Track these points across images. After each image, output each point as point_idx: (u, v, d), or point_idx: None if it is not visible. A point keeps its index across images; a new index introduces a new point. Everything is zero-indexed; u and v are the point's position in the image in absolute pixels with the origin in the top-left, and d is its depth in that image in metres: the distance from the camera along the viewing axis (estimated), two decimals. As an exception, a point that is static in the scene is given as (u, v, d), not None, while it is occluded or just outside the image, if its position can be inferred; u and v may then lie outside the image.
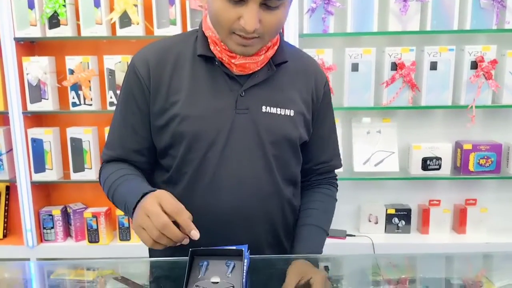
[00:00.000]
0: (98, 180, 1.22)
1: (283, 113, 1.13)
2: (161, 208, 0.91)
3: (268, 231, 1.16)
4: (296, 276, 0.98)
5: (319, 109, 1.21)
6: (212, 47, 1.09)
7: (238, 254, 0.93)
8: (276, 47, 1.12)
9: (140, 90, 1.11)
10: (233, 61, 1.07)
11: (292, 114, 1.14)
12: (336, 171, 1.33)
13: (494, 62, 2.20)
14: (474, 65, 2.21)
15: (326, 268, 1.17)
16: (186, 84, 1.10)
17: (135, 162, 1.16)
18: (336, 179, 1.34)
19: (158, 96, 1.10)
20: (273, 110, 1.12)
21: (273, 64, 1.12)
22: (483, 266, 1.28)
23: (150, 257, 1.28)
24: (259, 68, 1.11)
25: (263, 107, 1.11)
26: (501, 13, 2.18)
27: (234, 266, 0.92)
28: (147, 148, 1.16)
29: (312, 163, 1.27)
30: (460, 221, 2.41)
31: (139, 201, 0.98)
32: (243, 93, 1.10)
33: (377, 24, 2.21)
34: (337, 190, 1.33)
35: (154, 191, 0.98)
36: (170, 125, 1.10)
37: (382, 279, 1.16)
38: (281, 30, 1.12)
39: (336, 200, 1.32)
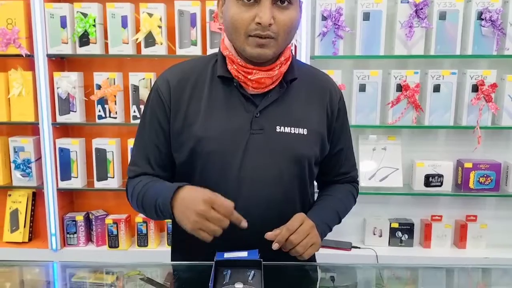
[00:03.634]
0: (119, 188, 1.26)
1: (296, 132, 1.14)
2: (214, 210, 0.99)
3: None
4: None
5: (335, 124, 1.24)
6: (229, 67, 1.13)
7: (257, 264, 1.04)
8: (288, 63, 1.15)
9: (163, 110, 1.16)
10: (249, 77, 1.10)
11: (305, 132, 1.15)
12: None
13: (494, 85, 2.28)
14: (475, 88, 2.29)
15: (332, 278, 1.22)
16: (203, 106, 1.14)
17: (159, 176, 1.20)
18: (358, 184, 1.36)
19: (178, 116, 1.15)
20: (287, 129, 1.14)
21: (284, 82, 1.15)
22: (481, 280, 1.32)
23: (172, 260, 1.32)
24: (273, 85, 1.14)
25: (277, 127, 1.13)
26: (501, 40, 2.27)
27: (254, 274, 1.03)
28: (170, 164, 1.21)
29: (331, 176, 1.31)
30: (460, 236, 2.46)
31: (174, 195, 1.04)
32: (258, 114, 1.13)
33: (384, 48, 2.31)
34: (357, 191, 1.34)
35: (185, 185, 1.05)
36: (187, 144, 1.14)
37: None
38: (293, 49, 1.17)
39: (355, 198, 1.33)
